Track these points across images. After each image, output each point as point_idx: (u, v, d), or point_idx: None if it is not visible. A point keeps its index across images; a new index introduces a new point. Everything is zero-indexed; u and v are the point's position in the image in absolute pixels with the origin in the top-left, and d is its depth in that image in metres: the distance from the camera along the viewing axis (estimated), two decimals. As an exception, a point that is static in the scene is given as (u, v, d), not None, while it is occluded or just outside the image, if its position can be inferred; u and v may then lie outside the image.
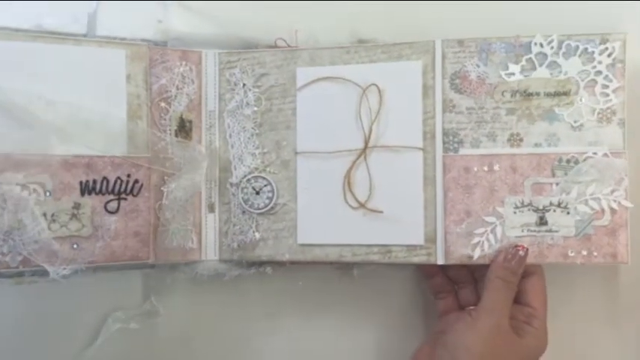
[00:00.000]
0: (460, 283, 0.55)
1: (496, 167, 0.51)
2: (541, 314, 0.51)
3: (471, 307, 0.53)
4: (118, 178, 0.52)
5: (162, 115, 0.54)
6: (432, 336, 0.54)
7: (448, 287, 0.55)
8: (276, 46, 0.55)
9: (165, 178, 0.54)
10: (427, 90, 0.52)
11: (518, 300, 0.52)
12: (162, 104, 0.54)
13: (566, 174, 0.49)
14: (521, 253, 0.50)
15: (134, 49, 0.53)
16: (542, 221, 0.50)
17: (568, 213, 0.49)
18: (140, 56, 0.53)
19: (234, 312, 0.57)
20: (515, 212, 0.50)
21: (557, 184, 0.49)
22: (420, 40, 0.52)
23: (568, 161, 0.49)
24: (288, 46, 0.55)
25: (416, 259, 0.52)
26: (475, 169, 0.51)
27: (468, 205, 0.51)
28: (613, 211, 0.49)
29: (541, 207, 0.50)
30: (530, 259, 0.50)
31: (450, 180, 0.52)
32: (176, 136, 0.54)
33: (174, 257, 0.53)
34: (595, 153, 0.49)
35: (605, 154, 0.49)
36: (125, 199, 0.52)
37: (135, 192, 0.53)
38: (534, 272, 0.52)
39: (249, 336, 0.58)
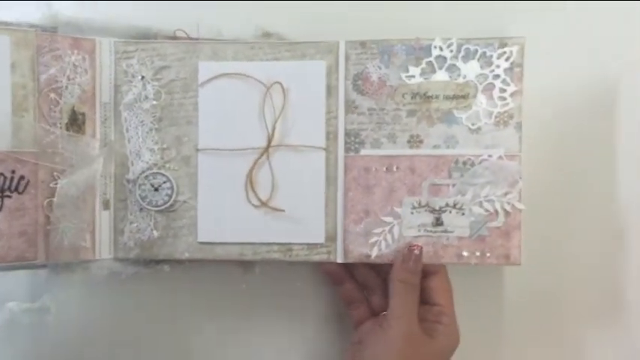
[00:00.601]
0: (370, 289, 0.54)
1: (395, 168, 0.51)
2: (449, 310, 0.52)
3: (384, 313, 0.52)
4: (1, 174, 0.48)
5: (52, 107, 0.50)
6: (350, 348, 0.54)
7: (359, 296, 0.54)
8: (175, 37, 0.52)
9: (55, 174, 0.50)
10: (331, 90, 0.52)
11: (425, 300, 0.52)
12: (52, 95, 0.50)
13: (462, 176, 0.50)
14: (416, 252, 0.50)
15: (20, 35, 0.49)
16: (438, 222, 0.51)
17: (463, 214, 0.50)
18: (26, 43, 0.49)
19: (129, 312, 0.55)
20: (412, 213, 0.51)
21: (453, 185, 0.50)
22: (324, 39, 0.51)
23: (464, 163, 0.50)
24: (189, 37, 0.52)
25: (316, 257, 0.52)
26: (375, 169, 0.51)
27: (367, 205, 0.52)
28: (507, 213, 0.50)
29: (437, 208, 0.51)
30: (425, 259, 0.51)
31: (350, 180, 0.52)
32: (67, 129, 0.50)
33: (66, 257, 0.50)
34: (490, 155, 0.50)
35: (500, 157, 0.49)
36: (9, 196, 0.48)
37: (20, 189, 0.49)
38: (437, 271, 0.52)
39: (143, 336, 0.56)
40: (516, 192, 0.50)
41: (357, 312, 0.54)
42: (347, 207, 0.52)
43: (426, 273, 0.52)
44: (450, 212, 0.51)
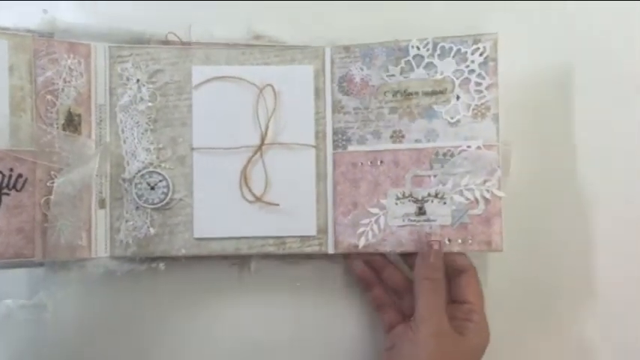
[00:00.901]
0: (399, 293, 0.55)
1: (379, 162, 0.54)
2: (479, 308, 0.52)
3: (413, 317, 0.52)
4: (0, 172, 0.48)
5: (49, 108, 0.51)
6: (384, 354, 0.54)
7: (388, 299, 0.55)
8: (167, 41, 0.55)
9: (52, 173, 0.51)
10: (318, 92, 0.55)
11: (455, 298, 0.53)
12: (49, 97, 0.51)
13: (442, 166, 0.53)
14: (435, 247, 0.52)
15: (17, 39, 0.50)
16: (421, 211, 0.54)
17: (445, 203, 0.53)
18: (24, 47, 0.51)
19: (125, 310, 0.55)
20: (396, 203, 0.54)
21: (434, 176, 0.53)
22: (313, 38, 0.55)
23: (444, 154, 0.53)
24: (181, 40, 0.55)
25: (309, 249, 0.54)
26: (361, 164, 0.54)
27: (354, 197, 0.54)
28: (486, 200, 0.52)
29: (420, 198, 0.54)
30: (409, 248, 0.53)
31: (339, 175, 0.55)
32: (64, 129, 0.51)
33: (62, 255, 0.50)
34: (469, 146, 0.53)
35: (478, 147, 0.53)
36: (7, 194, 0.49)
37: (18, 187, 0.49)
38: (466, 269, 0.53)
39: (139, 334, 0.56)
40: (495, 180, 0.52)
41: (387, 316, 0.54)
42: (336, 200, 0.55)
43: (455, 271, 0.53)
44: (432, 202, 0.53)
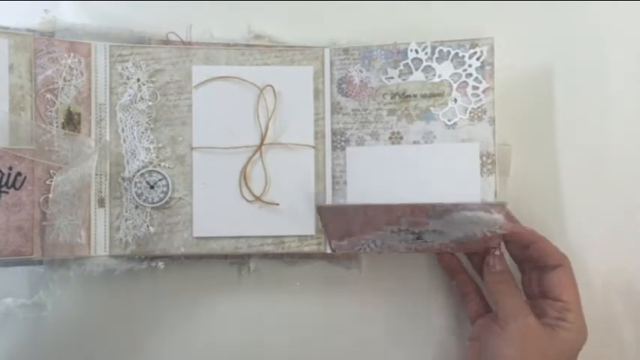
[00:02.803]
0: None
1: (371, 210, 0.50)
2: (574, 307, 0.49)
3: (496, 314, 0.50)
4: (-1, 170, 0.47)
5: (48, 107, 0.50)
6: (470, 344, 0.52)
7: (473, 286, 0.54)
8: (168, 41, 0.53)
9: (52, 171, 0.49)
10: (318, 93, 0.54)
11: (547, 295, 0.50)
12: (48, 96, 0.50)
13: (441, 218, 0.48)
14: (496, 253, 0.50)
15: (18, 38, 0.49)
16: (418, 238, 0.51)
17: (443, 234, 0.50)
18: (24, 46, 0.49)
19: (124, 309, 0.54)
20: (392, 232, 0.51)
21: (433, 230, 0.50)
22: (312, 37, 0.54)
23: (443, 212, 0.47)
24: (181, 40, 0.54)
25: (307, 249, 0.53)
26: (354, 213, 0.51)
27: (348, 229, 0.51)
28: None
29: (417, 231, 0.50)
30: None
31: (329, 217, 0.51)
32: (63, 128, 0.50)
33: (61, 253, 0.49)
34: (470, 207, 0.47)
35: (483, 204, 0.49)
36: (6, 192, 0.47)
37: (17, 185, 0.47)
38: (560, 264, 0.50)
39: (139, 332, 0.54)
40: (499, 231, 0.48)
41: (472, 305, 0.53)
42: (329, 232, 0.52)
43: (547, 265, 0.50)
44: (431, 234, 0.50)
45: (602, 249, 0.57)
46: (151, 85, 0.52)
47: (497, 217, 0.47)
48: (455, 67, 0.52)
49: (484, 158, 0.52)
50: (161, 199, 0.52)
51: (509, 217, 0.52)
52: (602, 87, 0.57)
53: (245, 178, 0.53)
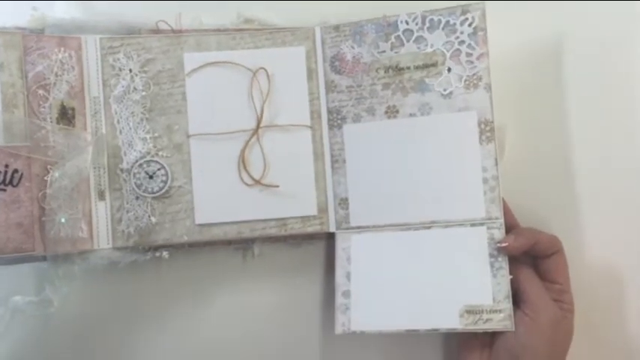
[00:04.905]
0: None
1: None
2: (568, 288, 0.50)
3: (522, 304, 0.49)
4: (-5, 167, 0.45)
5: (41, 103, 0.48)
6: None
7: None
8: (158, 30, 0.52)
9: (48, 167, 0.48)
10: (311, 73, 0.52)
11: (545, 279, 0.50)
12: (41, 92, 0.48)
13: None
14: (503, 244, 0.48)
15: (7, 37, 0.48)
16: None
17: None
18: (14, 44, 0.48)
19: (130, 301, 0.52)
20: None
21: None
22: (301, 25, 0.52)
23: None
24: (172, 28, 0.52)
25: (310, 229, 0.52)
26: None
27: None
28: None
29: None
30: None
31: (336, 154, 0.52)
32: (57, 123, 0.48)
33: (63, 248, 0.47)
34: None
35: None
36: (4, 190, 0.46)
37: (15, 182, 0.46)
38: (557, 249, 0.50)
39: (146, 324, 0.53)
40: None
41: None
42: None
43: (547, 253, 0.50)
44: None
45: (603, 231, 0.54)
46: (144, 75, 0.51)
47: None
48: (447, 36, 0.50)
49: (482, 126, 0.50)
50: (161, 189, 0.50)
51: (509, 215, 0.51)
52: (603, 59, 0.55)
53: (244, 162, 0.51)
